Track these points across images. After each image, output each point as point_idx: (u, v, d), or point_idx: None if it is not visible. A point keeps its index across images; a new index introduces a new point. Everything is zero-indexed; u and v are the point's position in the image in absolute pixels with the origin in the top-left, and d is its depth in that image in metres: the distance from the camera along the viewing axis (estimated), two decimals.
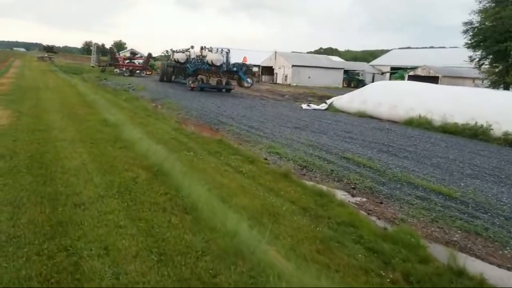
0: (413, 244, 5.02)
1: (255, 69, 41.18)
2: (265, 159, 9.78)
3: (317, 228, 5.42)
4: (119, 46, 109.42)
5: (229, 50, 27.82)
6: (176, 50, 37.48)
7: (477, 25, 30.13)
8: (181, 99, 22.23)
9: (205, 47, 30.39)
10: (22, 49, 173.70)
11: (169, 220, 4.91)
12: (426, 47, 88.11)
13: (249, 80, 28.61)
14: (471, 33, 30.45)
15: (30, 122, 10.27)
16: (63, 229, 4.41)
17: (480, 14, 29.53)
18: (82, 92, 19.21)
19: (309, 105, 23.52)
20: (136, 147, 8.39)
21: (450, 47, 70.82)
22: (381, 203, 7.08)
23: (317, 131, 14.39)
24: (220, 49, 28.22)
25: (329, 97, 30.80)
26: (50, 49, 77.74)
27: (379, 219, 6.41)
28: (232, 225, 4.63)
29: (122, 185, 5.99)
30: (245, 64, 28.72)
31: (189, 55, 33.71)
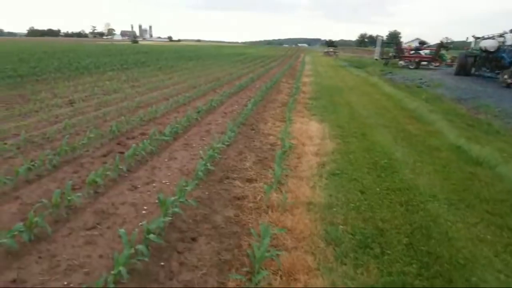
0: None
1: None
2: None
3: None
4: (394, 36, 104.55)
5: None
6: (483, 37, 29.81)
7: None
8: (501, 101, 15.78)
9: None
10: (305, 45, 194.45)
11: None
12: None
13: None
14: None
15: (361, 148, 7.45)
16: None
17: None
18: (390, 93, 16.06)
19: None
20: None
21: None
22: None
23: None
24: None
25: None
26: (331, 44, 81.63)
27: None
28: None
29: None
30: None
31: (504, 42, 25.74)
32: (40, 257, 3.31)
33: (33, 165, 5.12)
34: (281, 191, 5.06)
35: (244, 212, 4.56)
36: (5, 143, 6.23)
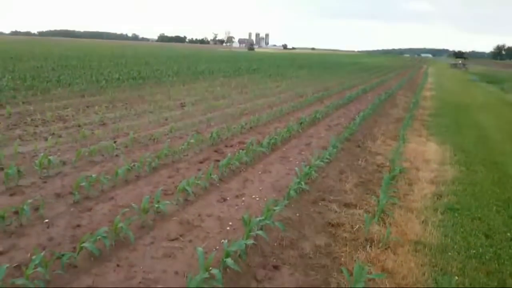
0: None
1: None
2: None
3: None
4: None
5: None
6: None
7: None
8: None
9: None
10: (429, 55, 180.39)
11: None
12: None
13: None
14: None
15: (490, 180, 6.23)
16: None
17: None
18: None
19: None
20: None
21: None
22: None
23: None
24: None
25: None
26: (460, 55, 74.10)
27: None
28: None
29: None
30: None
31: None
32: (118, 265, 3.24)
33: (133, 166, 5.29)
34: (385, 223, 4.37)
35: (338, 242, 3.99)
36: (115, 141, 6.66)
